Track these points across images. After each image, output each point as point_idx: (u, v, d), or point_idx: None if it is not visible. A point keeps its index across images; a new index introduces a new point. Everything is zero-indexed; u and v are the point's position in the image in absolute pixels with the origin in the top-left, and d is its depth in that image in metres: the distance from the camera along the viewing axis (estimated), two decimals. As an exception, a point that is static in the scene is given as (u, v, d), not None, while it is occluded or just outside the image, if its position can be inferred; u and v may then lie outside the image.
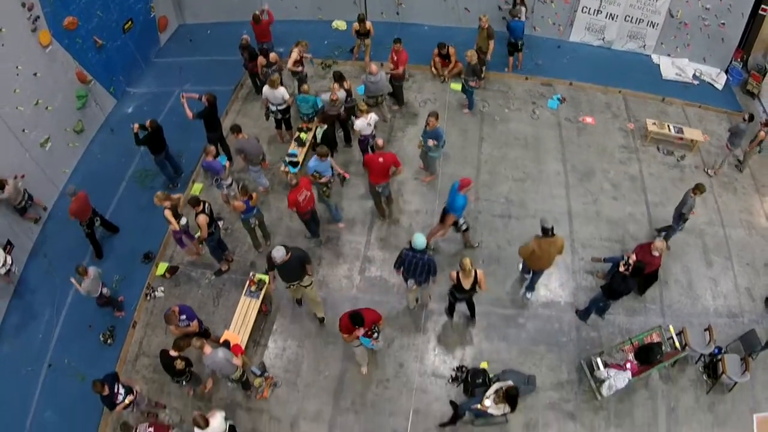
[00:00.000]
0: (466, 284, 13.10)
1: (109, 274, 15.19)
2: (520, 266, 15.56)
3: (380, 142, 15.30)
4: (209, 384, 13.49)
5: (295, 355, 14.59)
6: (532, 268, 14.51)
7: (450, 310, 14.70)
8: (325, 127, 16.64)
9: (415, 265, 13.27)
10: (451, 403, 13.51)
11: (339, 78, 17.70)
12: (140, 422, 12.47)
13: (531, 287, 15.25)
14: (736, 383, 13.61)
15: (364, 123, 16.31)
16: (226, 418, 12.00)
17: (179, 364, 12.44)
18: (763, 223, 17.43)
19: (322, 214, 16.67)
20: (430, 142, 16.40)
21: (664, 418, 13.56)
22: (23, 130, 16.65)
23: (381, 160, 14.97)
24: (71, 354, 14.66)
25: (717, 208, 17.59)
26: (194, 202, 14.42)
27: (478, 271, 13.02)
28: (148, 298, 15.72)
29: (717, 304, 15.47)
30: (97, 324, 14.94)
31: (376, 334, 12.25)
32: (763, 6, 20.15)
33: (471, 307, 14.53)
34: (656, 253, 14.08)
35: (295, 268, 12.82)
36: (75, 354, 14.63)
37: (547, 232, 13.54)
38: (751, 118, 17.81)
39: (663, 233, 15.70)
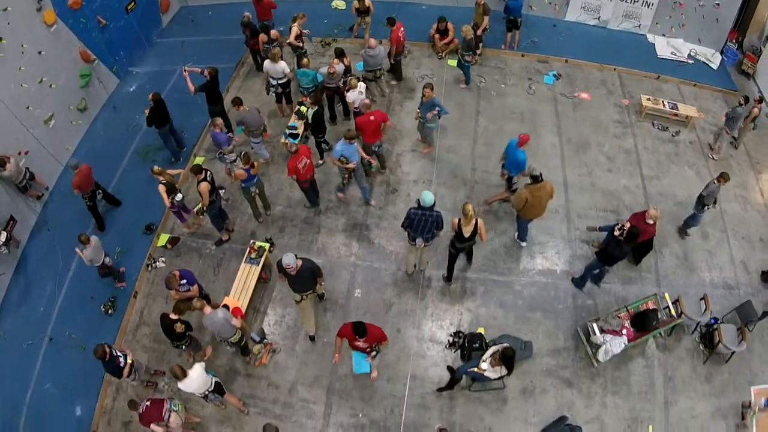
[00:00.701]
0: (467, 231, 12.98)
1: (110, 247, 14.93)
2: (516, 234, 15.72)
3: (367, 101, 15.55)
4: (208, 351, 13.38)
5: (294, 322, 14.36)
6: (527, 218, 14.53)
7: (449, 273, 14.62)
8: (316, 108, 16.28)
9: (424, 223, 13.09)
10: (449, 368, 13.30)
11: (339, 54, 17.61)
12: (141, 390, 12.73)
13: (522, 237, 15.56)
14: (733, 353, 13.37)
15: (355, 94, 16.37)
16: (207, 371, 11.85)
17: (179, 327, 12.22)
18: (758, 199, 17.18)
19: (322, 184, 16.59)
20: (429, 115, 16.26)
21: (662, 386, 13.32)
22: (27, 107, 16.43)
23: (372, 118, 15.09)
24: (72, 326, 14.44)
25: (712, 179, 16.92)
26: (196, 170, 14.24)
27: (479, 220, 12.93)
28: (149, 268, 15.53)
29: (713, 276, 15.21)
30: (99, 295, 14.72)
31: (375, 353, 11.75)
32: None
33: (470, 256, 14.74)
34: (650, 221, 13.86)
35: (307, 278, 12.25)
36: (76, 325, 14.42)
37: (536, 178, 13.59)
38: (747, 100, 17.48)
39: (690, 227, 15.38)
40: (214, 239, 15.90)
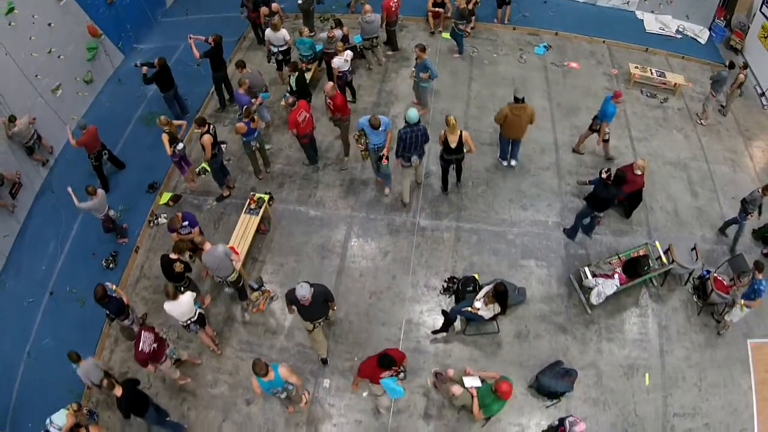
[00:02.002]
0: (452, 141, 13.26)
1: (114, 205, 14.50)
2: (499, 153, 16.00)
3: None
4: (207, 299, 13.10)
5: (292, 270, 13.99)
6: (509, 137, 14.85)
7: (444, 184, 15.25)
8: (297, 73, 15.91)
9: (414, 139, 13.29)
10: (443, 311, 12.82)
11: (338, 23, 17.76)
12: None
13: (514, 156, 15.75)
14: (727, 304, 12.91)
15: (341, 60, 16.31)
16: (195, 302, 11.50)
17: (178, 267, 11.88)
18: (747, 163, 16.81)
19: (321, 141, 16.41)
20: (423, 75, 16.00)
21: (656, 335, 12.95)
22: (36, 76, 16.16)
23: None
24: (73, 281, 14.06)
25: (701, 145, 17.01)
26: (200, 122, 14.03)
27: (463, 132, 13.25)
28: (151, 225, 15.17)
29: (704, 232, 14.83)
30: (101, 252, 14.34)
31: (402, 374, 10.67)
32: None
33: (459, 171, 14.86)
34: (638, 172, 13.63)
35: (319, 305, 10.98)
36: (77, 281, 14.02)
37: (517, 99, 13.91)
38: (732, 65, 17.31)
39: (730, 227, 14.78)
40: (215, 196, 15.58)
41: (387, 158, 13.70)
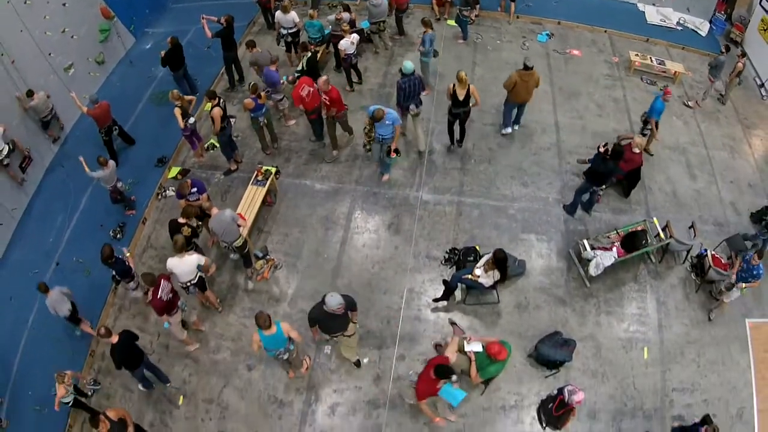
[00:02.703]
0: (461, 94, 13.69)
1: (123, 179, 14.39)
2: (503, 122, 16.14)
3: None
4: (212, 268, 12.58)
5: (297, 241, 13.87)
6: (515, 102, 15.01)
7: (451, 139, 15.55)
8: (309, 54, 16.04)
9: (411, 87, 14.08)
10: (444, 281, 12.68)
11: (346, 8, 17.81)
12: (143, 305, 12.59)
13: (518, 120, 15.96)
14: (724, 284, 12.60)
15: (347, 42, 16.27)
16: (198, 266, 11.44)
17: (185, 231, 11.75)
18: (746, 149, 16.63)
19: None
20: (421, 48, 16.46)
21: (655, 310, 12.78)
22: (50, 54, 16.06)
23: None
24: (80, 252, 13.93)
25: (700, 131, 16.84)
26: (211, 95, 14.12)
27: (471, 86, 13.63)
28: (159, 197, 15.03)
29: (702, 213, 14.64)
30: (108, 224, 14.19)
31: (455, 376, 10.08)
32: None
33: (463, 128, 14.99)
34: (636, 150, 13.64)
35: (341, 317, 10.26)
36: (83, 252, 13.88)
37: (526, 66, 14.15)
38: (728, 48, 17.18)
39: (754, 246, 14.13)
40: (223, 170, 15.47)
41: (395, 152, 13.56)
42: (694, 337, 12.41)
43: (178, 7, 21.61)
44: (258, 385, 11.80)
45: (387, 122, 12.88)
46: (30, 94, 14.76)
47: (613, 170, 13.06)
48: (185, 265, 11.20)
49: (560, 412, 10.74)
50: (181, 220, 12.02)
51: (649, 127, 14.83)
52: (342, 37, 16.79)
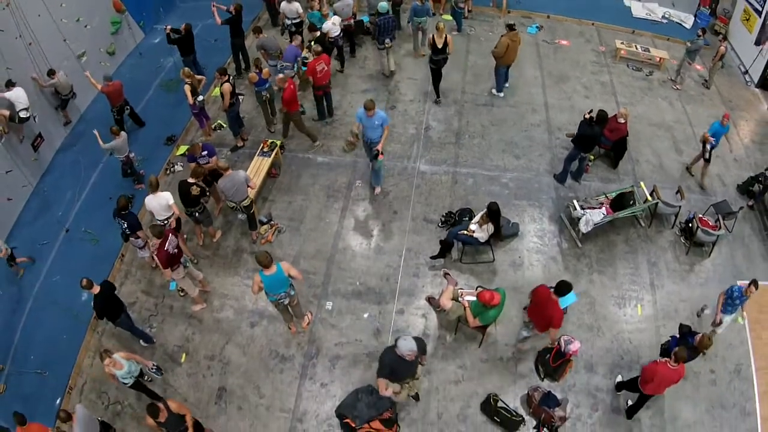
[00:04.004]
0: (439, 42, 14.98)
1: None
2: (494, 90, 16.94)
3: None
4: (218, 234, 13.07)
5: (300, 207, 13.77)
6: (507, 64, 15.88)
7: (436, 92, 16.74)
8: (318, 35, 16.27)
9: (387, 24, 16.18)
10: (441, 241, 12.49)
11: None
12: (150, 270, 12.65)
13: (507, 79, 16.79)
14: (715, 243, 12.80)
15: (329, 24, 16.49)
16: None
17: (194, 190, 11.70)
18: (730, 128, 16.09)
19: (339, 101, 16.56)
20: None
21: (646, 270, 12.60)
22: (64, 40, 15.96)
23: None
24: (88, 223, 13.84)
25: (685, 111, 16.76)
26: (222, 71, 14.09)
27: (448, 36, 14.92)
28: (168, 172, 14.90)
29: (689, 183, 14.49)
30: (117, 196, 13.57)
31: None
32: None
33: (439, 78, 16.26)
34: (621, 120, 13.72)
35: (412, 363, 9.02)
36: (92, 222, 13.80)
37: (511, 26, 15.32)
38: (704, 31, 17.20)
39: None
40: (229, 147, 15.37)
41: (382, 153, 12.96)
42: (686, 296, 12.18)
43: (185, 5, 21.57)
44: (260, 340, 11.59)
45: (376, 122, 12.48)
46: (51, 72, 14.71)
47: (599, 135, 13.03)
48: (160, 200, 11.47)
49: (557, 363, 10.47)
50: (191, 180, 11.91)
51: (709, 146, 13.78)
52: (349, 26, 17.39)
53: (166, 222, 11.62)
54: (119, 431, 10.19)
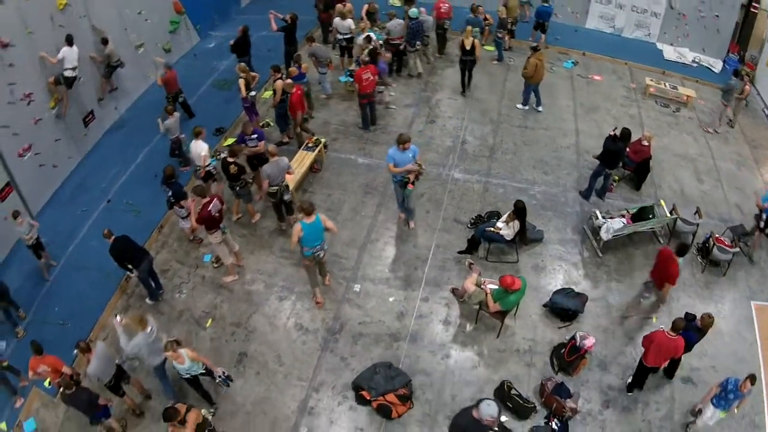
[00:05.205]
0: (467, 44, 16.49)
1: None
2: (520, 105, 17.75)
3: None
4: (257, 216, 13.75)
5: (338, 200, 14.37)
6: (535, 82, 16.67)
7: (463, 87, 18.19)
8: (370, 47, 16.63)
9: (418, 29, 17.67)
10: (468, 240, 13.07)
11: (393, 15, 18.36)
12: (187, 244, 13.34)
13: (539, 102, 17.64)
14: (730, 263, 13.02)
15: (339, 21, 17.83)
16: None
17: (232, 169, 12.44)
18: (751, 164, 16.74)
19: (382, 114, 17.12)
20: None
21: (663, 282, 12.55)
22: (125, 29, 16.87)
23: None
24: (131, 196, 14.52)
25: (708, 146, 17.15)
26: (275, 68, 14.85)
27: (475, 40, 16.40)
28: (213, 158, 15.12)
29: (708, 209, 14.69)
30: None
31: None
32: (753, 3, 19.85)
33: (470, 76, 17.89)
34: (645, 143, 14.16)
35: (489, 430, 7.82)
36: (135, 196, 14.48)
37: (535, 48, 16.31)
38: (736, 73, 17.47)
39: None
40: (275, 142, 15.65)
41: (413, 183, 12.57)
42: (700, 309, 12.10)
43: (240, 18, 22.29)
44: (286, 313, 12.08)
45: (409, 155, 12.18)
46: (105, 41, 15.47)
47: (622, 151, 13.60)
48: (199, 149, 13.00)
49: (572, 358, 10.83)
50: (230, 159, 12.63)
51: (765, 215, 13.07)
52: (399, 44, 18.28)
53: (202, 169, 12.93)
54: (133, 382, 10.61)
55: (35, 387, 10.77)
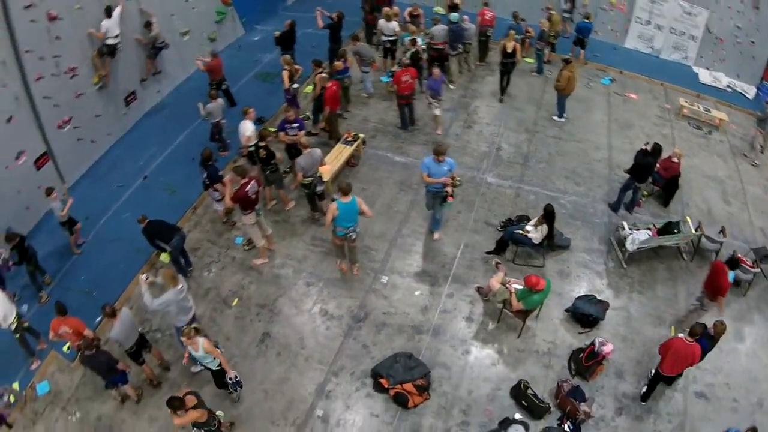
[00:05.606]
0: (509, 47, 17.00)
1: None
2: (556, 117, 18.05)
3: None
4: (291, 204, 14.04)
5: (372, 194, 14.58)
6: (567, 94, 17.12)
7: (501, 91, 18.57)
8: (413, 49, 17.14)
9: (459, 33, 18.00)
10: (496, 242, 13.28)
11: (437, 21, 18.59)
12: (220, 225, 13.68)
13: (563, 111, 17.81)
14: (751, 283, 13.13)
15: (384, 23, 18.04)
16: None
17: (261, 152, 12.76)
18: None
19: (421, 115, 17.31)
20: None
21: (684, 298, 12.89)
22: (172, 15, 17.28)
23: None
24: (168, 175, 14.91)
25: (737, 169, 17.16)
26: (317, 63, 15.28)
27: (516, 44, 16.97)
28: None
29: (733, 231, 14.69)
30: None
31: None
32: (790, 31, 19.56)
33: (508, 81, 18.35)
34: (675, 160, 14.31)
35: None
36: (171, 175, 14.86)
37: (567, 60, 16.71)
38: None
39: None
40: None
41: (452, 196, 12.38)
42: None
43: (285, 14, 22.62)
44: (313, 298, 12.36)
45: (445, 168, 11.93)
46: (148, 25, 15.91)
47: (652, 165, 13.75)
48: (246, 128, 13.38)
49: (590, 363, 10.97)
50: (261, 143, 12.97)
51: None
52: (443, 50, 18.36)
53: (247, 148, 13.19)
54: (154, 352, 10.90)
55: (53, 350, 11.10)
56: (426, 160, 11.91)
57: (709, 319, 10.83)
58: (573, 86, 16.61)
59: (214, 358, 9.24)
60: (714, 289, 11.00)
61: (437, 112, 16.11)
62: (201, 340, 8.97)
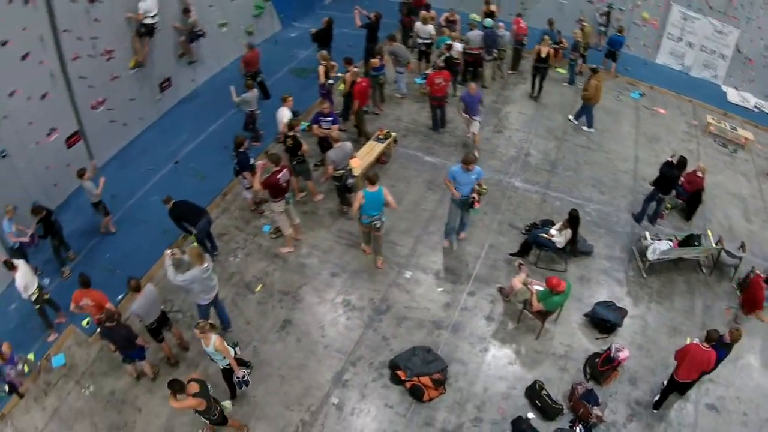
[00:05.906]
0: (543, 52, 17.45)
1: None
2: (576, 121, 18.21)
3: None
4: (319, 196, 14.18)
5: (401, 191, 14.76)
6: (594, 103, 17.10)
7: (532, 91, 19.06)
8: (447, 54, 17.28)
9: (492, 38, 18.14)
10: (521, 245, 13.46)
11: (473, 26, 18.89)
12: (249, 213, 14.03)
13: (580, 116, 17.98)
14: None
15: (420, 25, 18.27)
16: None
17: (288, 142, 12.94)
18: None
19: (452, 118, 17.30)
20: None
21: (701, 310, 12.99)
22: (210, 6, 17.52)
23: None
24: (198, 161, 15.16)
25: (760, 189, 17.18)
26: (348, 61, 15.44)
27: (550, 49, 17.37)
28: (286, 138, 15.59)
29: (753, 248, 14.70)
30: (233, 148, 14.70)
31: None
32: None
33: (542, 81, 18.68)
34: (700, 174, 14.48)
35: None
36: (202, 162, 15.11)
37: (595, 69, 16.88)
38: None
39: None
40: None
41: (478, 201, 12.60)
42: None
43: (323, 13, 22.71)
44: (336, 288, 12.60)
45: (472, 177, 11.90)
46: (186, 11, 16.21)
47: (676, 177, 13.86)
48: (282, 113, 13.58)
49: (605, 368, 11.11)
50: (289, 133, 13.19)
51: None
52: (479, 54, 18.66)
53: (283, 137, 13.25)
54: (174, 331, 11.12)
55: (72, 324, 11.39)
56: (453, 168, 11.90)
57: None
58: (599, 96, 16.67)
59: (224, 357, 9.14)
60: (752, 304, 11.78)
61: (474, 129, 15.66)
62: (214, 337, 8.92)
